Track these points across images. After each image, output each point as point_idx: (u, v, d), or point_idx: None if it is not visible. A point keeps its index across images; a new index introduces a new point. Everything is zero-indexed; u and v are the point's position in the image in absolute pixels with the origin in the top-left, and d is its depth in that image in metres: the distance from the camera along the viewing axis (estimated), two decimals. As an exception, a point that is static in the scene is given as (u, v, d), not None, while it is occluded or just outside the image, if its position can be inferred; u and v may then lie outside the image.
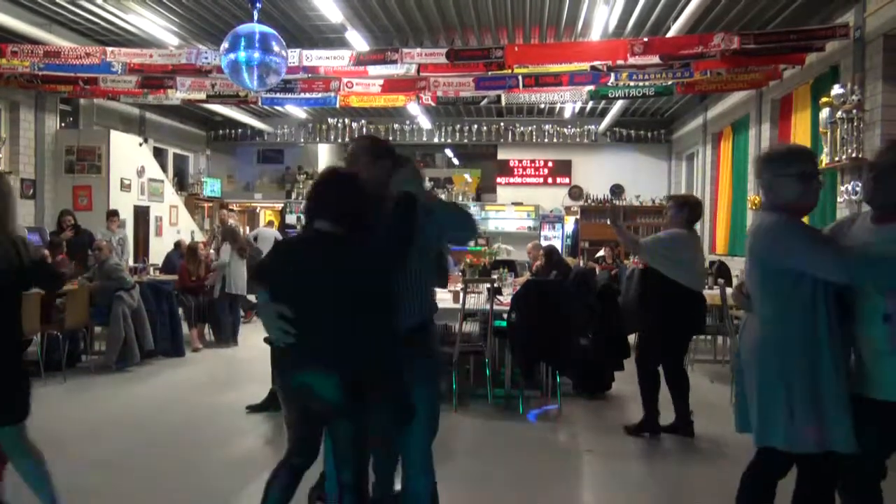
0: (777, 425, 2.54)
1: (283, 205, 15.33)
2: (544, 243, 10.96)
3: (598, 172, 14.76)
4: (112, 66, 7.88)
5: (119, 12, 8.18)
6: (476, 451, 4.97)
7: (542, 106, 13.25)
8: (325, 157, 16.84)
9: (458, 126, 14.84)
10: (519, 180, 15.31)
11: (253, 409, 5.64)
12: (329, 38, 9.02)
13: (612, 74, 8.19)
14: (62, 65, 7.86)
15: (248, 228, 15.82)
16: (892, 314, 2.41)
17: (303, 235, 2.88)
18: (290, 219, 14.87)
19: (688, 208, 5.14)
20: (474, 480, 4.37)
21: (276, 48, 5.84)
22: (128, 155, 10.90)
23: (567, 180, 14.98)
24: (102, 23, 8.65)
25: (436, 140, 15.18)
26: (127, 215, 10.62)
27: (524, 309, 5.85)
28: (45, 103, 10.32)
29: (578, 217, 14.52)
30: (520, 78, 8.41)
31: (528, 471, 4.55)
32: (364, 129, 14.85)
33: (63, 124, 10.88)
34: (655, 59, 7.35)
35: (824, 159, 6.89)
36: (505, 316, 6.01)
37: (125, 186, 10.70)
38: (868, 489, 2.52)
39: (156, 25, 8.53)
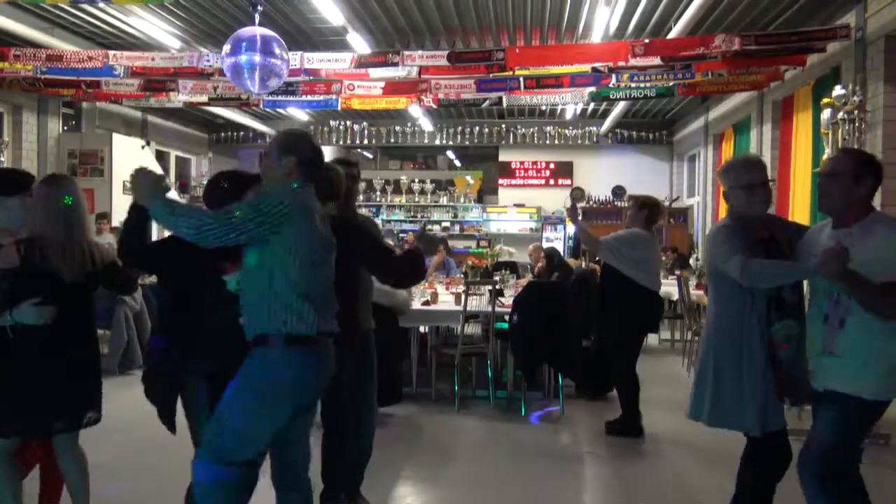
0: (702, 406, 3.03)
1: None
2: (546, 245, 10.97)
3: (599, 174, 14.76)
4: (114, 69, 7.90)
5: (121, 15, 8.20)
6: (478, 453, 4.97)
7: (544, 108, 13.26)
8: (327, 158, 16.80)
9: (459, 128, 14.85)
10: (521, 182, 15.31)
11: None
12: (330, 40, 9.03)
13: (614, 76, 8.19)
14: (65, 68, 7.88)
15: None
16: (830, 316, 2.68)
17: None
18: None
19: (647, 209, 5.32)
20: (476, 482, 4.37)
21: (277, 51, 5.85)
22: (130, 158, 10.91)
23: (569, 182, 14.98)
24: (105, 26, 8.67)
25: (437, 142, 15.19)
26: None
27: (526, 311, 5.86)
28: (47, 107, 10.34)
29: (580, 218, 14.50)
30: (521, 80, 8.42)
31: (530, 472, 4.56)
32: (365, 132, 14.87)
33: (66, 127, 10.91)
34: (657, 61, 7.36)
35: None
36: (507, 318, 6.02)
37: (128, 189, 10.71)
38: (846, 478, 2.69)
39: (158, 28, 8.54)
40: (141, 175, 2.66)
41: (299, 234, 2.56)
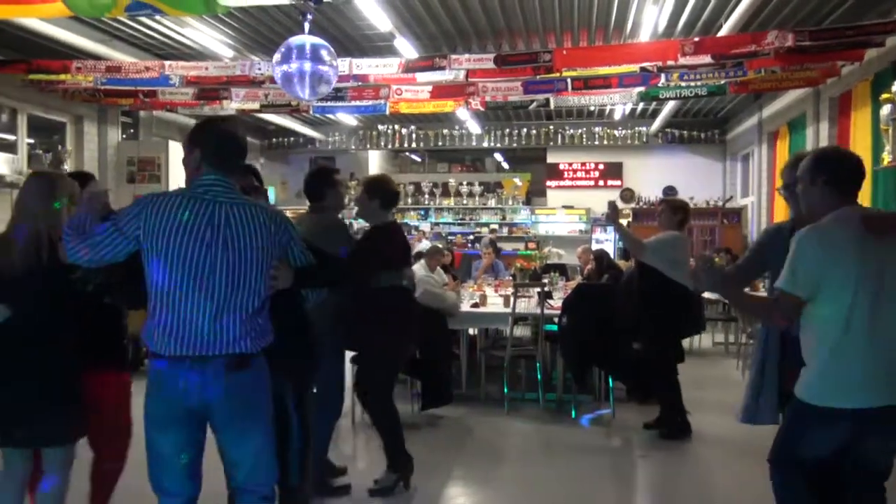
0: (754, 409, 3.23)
1: (334, 211, 15.57)
2: (596, 247, 10.88)
3: (650, 174, 14.56)
4: (170, 79, 8.13)
5: (176, 26, 8.43)
6: (528, 455, 4.97)
7: (592, 108, 13.14)
8: (375, 162, 17.02)
9: (507, 130, 14.82)
10: (569, 183, 15.20)
11: None
12: (378, 46, 9.12)
13: (663, 75, 8.08)
14: (123, 79, 8.14)
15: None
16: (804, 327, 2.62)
17: None
18: (342, 225, 15.05)
19: (681, 213, 5.41)
20: (526, 485, 4.37)
21: (326, 58, 5.95)
22: (185, 165, 11.23)
23: (618, 183, 14.82)
24: (160, 37, 8.93)
25: (485, 144, 15.18)
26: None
27: (575, 313, 5.83)
28: (107, 116, 10.69)
29: (630, 220, 14.34)
30: (568, 81, 8.37)
31: (580, 475, 4.54)
32: (413, 135, 14.96)
33: (124, 136, 11.26)
34: (707, 59, 7.22)
35: (886, 157, 6.67)
36: (556, 320, 6.00)
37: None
38: (788, 475, 2.69)
39: (211, 38, 8.76)
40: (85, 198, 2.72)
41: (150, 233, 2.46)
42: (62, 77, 8.16)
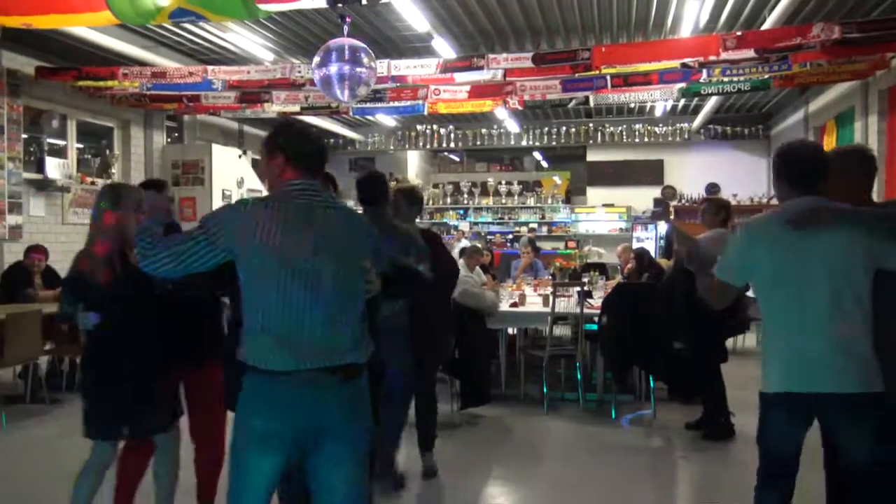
0: None
1: (374, 211, 15.67)
2: (636, 245, 10.77)
3: (692, 172, 14.34)
4: (213, 83, 8.30)
5: (219, 32, 8.59)
6: (567, 456, 4.95)
7: (632, 105, 13.00)
8: (414, 163, 17.10)
9: (545, 129, 14.75)
10: (609, 181, 15.07)
11: None
12: (416, 47, 9.17)
13: (705, 71, 7.96)
14: (168, 84, 8.34)
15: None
16: None
17: None
18: (382, 225, 15.13)
19: (724, 211, 5.37)
20: (565, 484, 4.36)
21: (365, 60, 6.01)
22: (228, 167, 11.42)
23: (660, 180, 14.64)
24: (204, 43, 9.11)
25: (524, 143, 15.13)
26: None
27: (615, 312, 5.79)
28: (153, 121, 10.94)
29: (672, 218, 14.15)
30: (608, 78, 8.30)
31: (620, 475, 4.50)
32: (452, 135, 14.99)
33: (169, 140, 11.51)
34: (750, 53, 7.10)
35: (939, 151, 6.48)
36: (596, 319, 5.96)
37: (226, 197, 11.21)
38: (764, 461, 2.80)
39: (252, 43, 8.91)
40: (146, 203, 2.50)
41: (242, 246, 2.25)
42: (110, 83, 8.40)
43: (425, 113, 9.89)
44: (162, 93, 8.94)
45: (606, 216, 14.86)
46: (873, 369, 2.47)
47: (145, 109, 10.30)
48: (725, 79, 8.28)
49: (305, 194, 2.34)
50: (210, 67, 8.31)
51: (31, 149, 8.95)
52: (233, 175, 11.47)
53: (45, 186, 8.85)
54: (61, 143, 9.61)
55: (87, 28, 7.30)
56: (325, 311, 2.26)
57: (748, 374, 5.53)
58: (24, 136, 8.68)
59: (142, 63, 8.41)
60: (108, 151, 10.28)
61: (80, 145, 9.91)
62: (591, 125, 14.69)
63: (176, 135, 11.77)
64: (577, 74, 8.10)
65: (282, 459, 2.26)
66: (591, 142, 14.82)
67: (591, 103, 9.70)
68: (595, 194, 15.11)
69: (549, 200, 15.44)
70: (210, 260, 2.26)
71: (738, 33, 7.13)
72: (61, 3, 5.75)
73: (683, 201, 14.18)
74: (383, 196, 4.09)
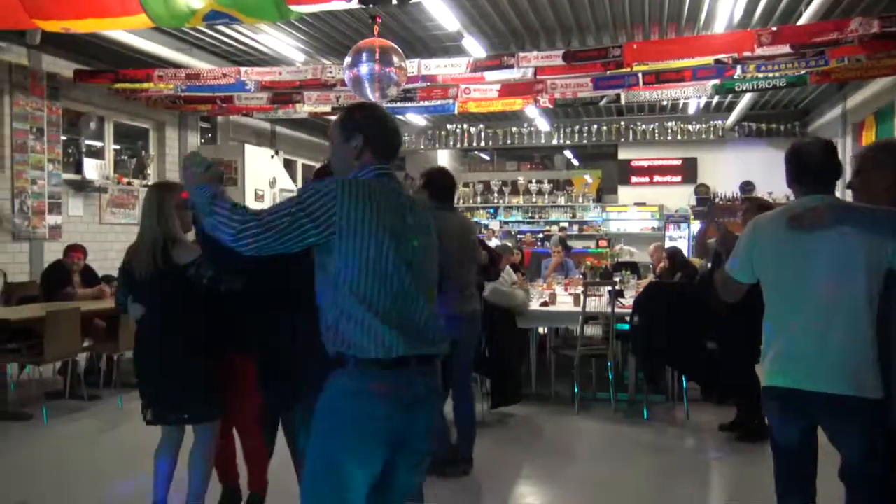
0: None
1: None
2: (669, 244, 10.65)
3: (726, 169, 14.14)
4: (245, 84, 8.40)
5: (251, 33, 8.69)
6: (598, 455, 4.92)
7: (665, 103, 12.86)
8: (445, 162, 17.09)
9: (576, 127, 14.66)
10: (641, 180, 14.93)
11: None
12: (446, 46, 9.18)
13: (739, 67, 7.85)
14: (202, 86, 8.47)
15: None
16: None
17: None
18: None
19: (764, 210, 5.18)
20: (597, 484, 4.33)
21: (395, 60, 6.04)
22: (260, 167, 11.55)
23: (693, 178, 14.46)
24: (237, 44, 9.22)
25: (555, 142, 15.05)
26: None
27: (647, 312, 5.74)
28: (187, 122, 11.11)
29: (713, 217, 13.96)
30: (639, 75, 8.23)
31: (652, 475, 4.47)
32: (482, 134, 14.97)
33: (203, 140, 11.67)
34: (786, 49, 6.97)
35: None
36: (627, 319, 5.92)
37: (259, 197, 11.35)
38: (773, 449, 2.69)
39: (284, 44, 9.00)
40: (187, 161, 2.17)
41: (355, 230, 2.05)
42: (145, 85, 8.56)
43: (455, 112, 9.89)
44: (196, 94, 9.08)
45: (638, 215, 14.73)
46: (869, 374, 2.38)
47: (180, 111, 10.47)
48: (760, 75, 8.16)
49: (391, 179, 2.21)
50: (243, 69, 8.41)
51: (70, 150, 9.15)
52: (265, 175, 11.60)
53: (83, 187, 9.04)
54: (99, 144, 9.80)
55: (123, 31, 7.44)
56: (425, 297, 2.15)
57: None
58: (63, 137, 8.88)
59: (176, 65, 8.55)
60: (143, 152, 10.46)
61: (117, 146, 10.10)
62: (622, 123, 14.57)
63: (209, 135, 11.93)
64: (608, 72, 8.04)
65: (378, 466, 2.06)
66: (622, 140, 14.70)
67: (623, 101, 9.62)
68: (627, 193, 14.99)
69: (580, 199, 15.35)
70: (308, 240, 2.03)
71: (774, 28, 7.03)
72: (99, 8, 5.87)
73: (717, 199, 14.00)
74: (452, 192, 4.23)
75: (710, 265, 7.42)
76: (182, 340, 3.23)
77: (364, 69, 5.99)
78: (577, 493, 4.25)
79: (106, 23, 6.17)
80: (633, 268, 9.55)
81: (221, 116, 11.60)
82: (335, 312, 2.07)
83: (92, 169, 9.24)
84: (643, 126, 14.46)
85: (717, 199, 13.96)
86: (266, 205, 11.52)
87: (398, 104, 9.28)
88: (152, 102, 9.60)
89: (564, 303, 6.69)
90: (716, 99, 12.06)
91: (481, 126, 14.94)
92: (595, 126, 14.56)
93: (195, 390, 3.25)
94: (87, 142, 9.53)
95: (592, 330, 6.79)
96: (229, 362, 3.36)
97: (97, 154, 9.70)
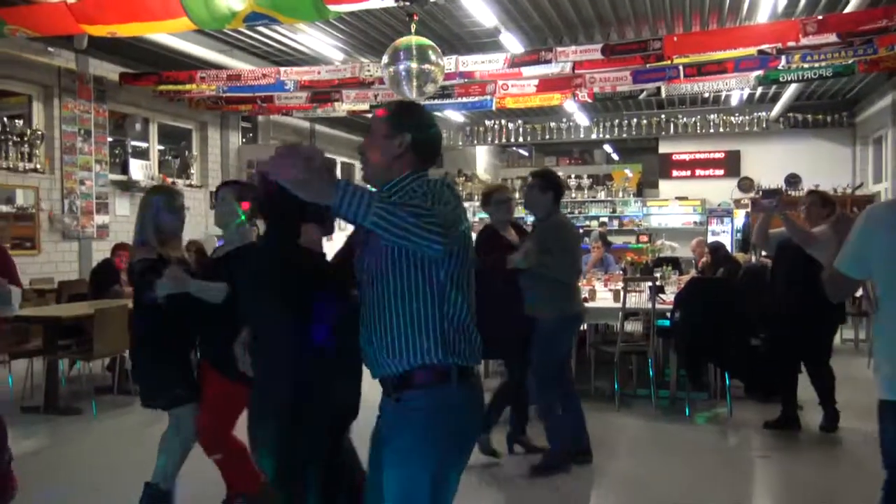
0: None
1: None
2: (711, 239, 10.48)
3: (770, 162, 13.85)
4: (285, 84, 8.51)
5: (290, 33, 8.79)
6: (639, 453, 4.87)
7: (706, 95, 12.65)
8: (483, 158, 17.09)
9: (616, 121, 14.51)
10: (683, 173, 14.71)
11: None
12: (484, 42, 9.16)
13: (783, 57, 7.68)
14: (242, 86, 8.61)
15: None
16: None
17: None
18: (451, 221, 15.18)
19: (830, 206, 5.12)
20: (635, 482, 4.29)
21: (433, 58, 6.05)
22: (301, 166, 11.68)
23: (736, 171, 14.20)
24: (276, 45, 9.34)
25: (594, 136, 14.93)
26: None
27: (689, 308, 5.65)
28: (228, 122, 11.30)
29: (749, 210, 13.70)
30: (680, 68, 8.11)
31: (694, 475, 4.41)
32: (520, 130, 14.91)
33: (244, 140, 11.86)
34: (832, 38, 6.81)
35: None
36: (668, 315, 5.84)
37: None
38: None
39: (323, 43, 9.08)
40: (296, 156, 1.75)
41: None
42: (188, 87, 8.72)
43: (493, 108, 9.89)
44: (237, 95, 9.23)
45: (680, 209, 14.54)
46: None
47: (221, 111, 10.65)
48: (806, 65, 7.97)
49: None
50: (282, 69, 8.52)
51: (116, 151, 9.38)
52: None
53: (129, 187, 9.25)
54: (144, 145, 10.02)
55: (166, 34, 7.60)
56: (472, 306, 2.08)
57: (838, 373, 5.35)
58: (110, 139, 9.10)
59: (218, 66, 8.69)
60: (187, 153, 10.66)
61: (161, 147, 10.31)
62: (663, 116, 14.38)
63: (250, 135, 12.12)
64: (648, 65, 7.95)
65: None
66: (663, 133, 14.51)
67: (664, 94, 9.50)
68: (668, 187, 14.80)
69: (620, 194, 15.19)
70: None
71: (819, 17, 6.86)
72: (143, 12, 6.00)
73: (761, 193, 13.71)
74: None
75: (757, 258, 7.31)
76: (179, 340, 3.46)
77: (401, 67, 6.02)
78: (618, 491, 4.21)
79: (150, 26, 6.32)
80: (675, 263, 9.41)
81: (262, 116, 11.77)
82: (434, 319, 1.95)
83: (137, 169, 9.45)
84: (684, 119, 14.25)
85: (760, 193, 13.66)
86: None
87: (436, 101, 9.30)
88: (195, 103, 9.79)
89: (604, 299, 6.62)
90: (759, 90, 11.81)
91: (519, 122, 14.88)
92: (635, 120, 14.40)
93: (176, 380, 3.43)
94: (133, 143, 9.75)
95: (633, 326, 6.72)
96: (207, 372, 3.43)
97: (142, 155, 9.92)
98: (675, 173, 14.77)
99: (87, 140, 8.59)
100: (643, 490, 4.16)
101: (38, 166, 8.13)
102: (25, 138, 8.00)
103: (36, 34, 6.87)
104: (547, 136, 14.99)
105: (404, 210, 1.73)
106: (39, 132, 8.18)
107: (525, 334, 4.27)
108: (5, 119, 7.93)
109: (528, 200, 4.46)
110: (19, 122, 8.07)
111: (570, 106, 12.20)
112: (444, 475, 1.97)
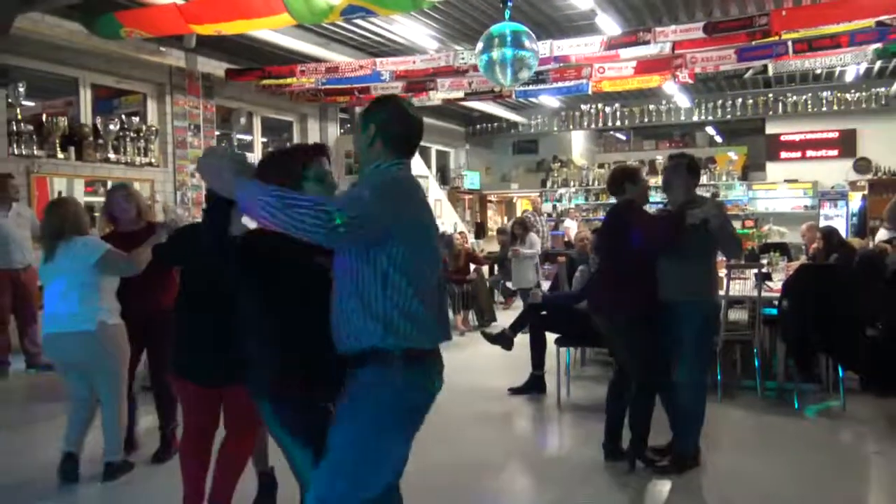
0: None
1: (538, 193, 15.58)
2: (823, 223, 9.96)
3: (890, 142, 12.96)
4: (381, 74, 8.66)
5: (385, 24, 8.92)
6: (744, 446, 4.70)
7: (818, 71, 11.94)
8: (579, 143, 16.83)
9: (719, 101, 13.94)
10: (792, 155, 14.00)
11: (515, 391, 5.91)
12: (579, 25, 8.99)
13: (904, 28, 7.17)
14: (340, 78, 8.82)
15: (505, 218, 16.35)
16: None
17: None
18: (546, 207, 15.07)
19: None
20: (738, 476, 4.15)
21: (527, 43, 6.00)
22: (397, 155, 11.87)
23: (852, 152, 13.39)
24: (372, 36, 9.49)
25: (695, 118, 14.41)
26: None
27: (798, 296, 5.40)
28: (327, 114, 11.60)
29: (866, 193, 12.89)
30: (789, 44, 7.70)
31: (803, 470, 4.22)
32: (617, 113, 14.58)
33: (342, 131, 12.14)
34: (962, 5, 6.31)
35: None
36: (775, 303, 5.60)
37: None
38: None
39: (418, 32, 9.16)
40: (210, 156, 2.09)
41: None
42: (289, 80, 9.02)
43: (589, 92, 9.73)
44: (335, 87, 9.46)
45: (789, 193, 13.86)
46: None
47: (321, 103, 10.96)
48: (930, 36, 7.41)
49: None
50: (378, 60, 8.67)
51: (223, 144, 9.81)
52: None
53: (235, 179, 9.65)
54: (248, 138, 10.44)
55: (268, 30, 7.87)
56: (440, 290, 2.31)
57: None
58: (217, 133, 9.53)
59: (316, 60, 8.93)
60: (288, 144, 11.03)
61: (264, 140, 10.71)
62: (770, 95, 13.70)
63: (348, 126, 12.40)
64: (753, 42, 7.59)
65: (409, 446, 2.28)
66: (770, 113, 13.84)
67: (771, 72, 9.08)
68: (775, 170, 14.13)
69: (724, 178, 14.61)
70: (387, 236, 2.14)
71: (948, -18, 6.36)
72: (246, 10, 6.26)
73: (880, 174, 12.88)
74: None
75: (874, 243, 6.89)
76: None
77: (496, 54, 6.00)
78: (717, 484, 4.09)
79: (253, 23, 6.58)
80: (783, 249, 9.01)
81: (359, 107, 12.01)
82: (384, 305, 2.10)
83: (243, 162, 9.85)
84: (794, 97, 13.53)
85: (880, 174, 12.83)
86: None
87: (531, 87, 9.24)
88: (295, 96, 10.11)
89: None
90: (878, 64, 11.06)
91: (616, 105, 14.55)
92: (740, 100, 13.79)
93: None
94: (238, 136, 10.18)
95: (737, 314, 6.48)
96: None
97: (247, 147, 10.33)
98: (783, 155, 14.07)
99: (196, 134, 9.02)
100: (748, 485, 4.02)
101: (153, 160, 8.61)
102: (141, 134, 8.50)
103: (149, 35, 7.29)
104: (645, 119, 14.58)
105: (292, 208, 1.91)
106: (154, 128, 8.67)
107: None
108: (123, 116, 8.44)
109: (670, 181, 4.21)
110: (136, 119, 8.57)
111: (670, 87, 11.83)
112: (381, 445, 2.16)
